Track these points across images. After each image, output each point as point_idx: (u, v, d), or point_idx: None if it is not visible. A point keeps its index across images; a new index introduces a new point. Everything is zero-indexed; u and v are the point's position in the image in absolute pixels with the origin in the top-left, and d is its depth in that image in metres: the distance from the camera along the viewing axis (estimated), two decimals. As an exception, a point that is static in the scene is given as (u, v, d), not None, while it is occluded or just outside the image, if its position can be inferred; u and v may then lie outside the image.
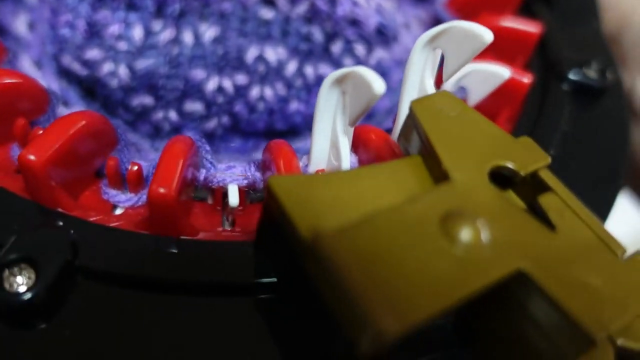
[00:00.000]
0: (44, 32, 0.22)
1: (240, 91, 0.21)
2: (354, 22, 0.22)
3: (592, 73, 0.23)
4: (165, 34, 0.20)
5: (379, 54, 0.23)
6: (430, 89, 0.16)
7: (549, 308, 0.11)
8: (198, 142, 0.17)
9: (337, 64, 0.22)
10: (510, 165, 0.13)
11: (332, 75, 0.15)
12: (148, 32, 0.20)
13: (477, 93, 0.19)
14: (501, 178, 0.14)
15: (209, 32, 0.21)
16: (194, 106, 0.21)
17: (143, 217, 0.15)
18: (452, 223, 0.12)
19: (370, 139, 0.17)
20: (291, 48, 0.21)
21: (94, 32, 0.20)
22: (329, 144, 0.16)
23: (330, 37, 0.22)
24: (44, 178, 0.15)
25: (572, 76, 0.23)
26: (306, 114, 0.23)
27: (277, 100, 0.22)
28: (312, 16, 0.21)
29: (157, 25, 0.20)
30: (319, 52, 0.22)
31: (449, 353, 0.15)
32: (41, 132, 0.17)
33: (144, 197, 0.16)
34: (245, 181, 0.17)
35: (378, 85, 0.13)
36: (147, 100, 0.21)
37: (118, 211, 0.16)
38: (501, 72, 0.19)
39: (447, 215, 0.12)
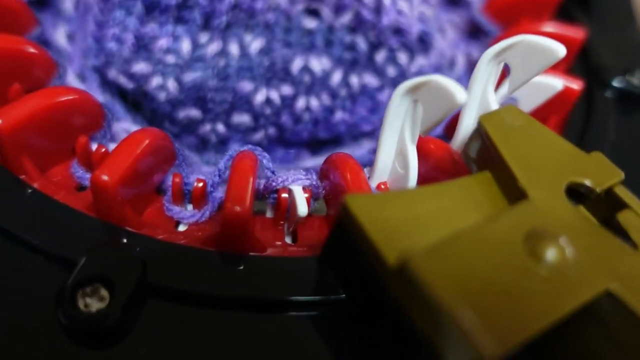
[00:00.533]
0: (85, 45, 0.22)
1: (287, 102, 0.21)
2: (398, 31, 0.22)
3: (636, 81, 0.23)
4: (213, 47, 0.20)
5: (420, 61, 0.23)
6: (493, 102, 0.16)
7: (635, 327, 0.11)
8: (258, 154, 0.17)
9: (380, 73, 0.22)
10: (586, 182, 0.13)
11: (406, 84, 0.15)
12: (195, 45, 0.20)
13: (529, 104, 0.19)
14: (573, 194, 0.14)
15: (254, 43, 0.21)
16: (242, 118, 0.21)
17: (208, 234, 0.15)
18: (536, 242, 0.12)
19: (430, 149, 0.17)
20: (335, 58, 0.21)
21: (141, 46, 0.20)
22: (395, 152, 0.16)
23: (374, 46, 0.22)
24: (116, 197, 0.15)
25: (616, 84, 0.23)
26: (350, 123, 0.23)
27: (322, 110, 0.22)
28: (357, 25, 0.21)
29: (204, 37, 0.20)
30: (363, 61, 0.22)
31: None
32: (103, 150, 0.17)
33: (207, 213, 0.16)
34: (308, 182, 0.17)
35: (460, 95, 0.13)
36: (194, 113, 0.21)
37: (181, 228, 0.16)
38: (554, 83, 0.19)
39: (530, 235, 0.12)
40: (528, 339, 0.10)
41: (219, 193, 0.17)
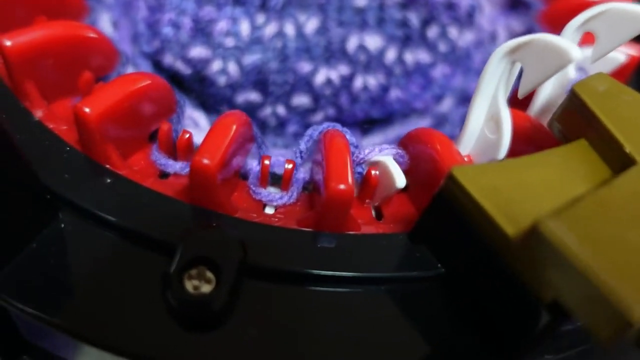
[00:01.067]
0: (134, 31, 0.21)
1: (345, 82, 0.21)
2: (450, 6, 0.22)
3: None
4: (270, 28, 0.20)
5: (468, 36, 0.23)
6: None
7: None
8: (340, 129, 0.17)
9: (432, 48, 0.22)
10: (688, 145, 0.13)
11: (507, 44, 0.14)
12: (254, 27, 0.20)
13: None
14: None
15: (309, 23, 0.20)
16: (302, 99, 0.21)
17: (298, 215, 0.15)
18: (657, 205, 0.12)
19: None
20: (388, 35, 0.21)
21: (199, 30, 0.20)
22: (485, 118, 0.16)
23: (426, 22, 0.21)
24: (96, 131, 0.15)
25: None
26: (404, 100, 0.22)
27: (378, 89, 0.22)
28: (408, 2, 0.21)
29: (260, 19, 0.20)
30: (415, 37, 0.22)
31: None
32: (188, 135, 0.17)
33: (294, 194, 0.16)
34: (394, 151, 0.16)
35: (575, 52, 0.13)
36: (254, 96, 0.21)
37: (268, 210, 0.16)
38: (617, 56, 0.18)
39: (649, 198, 0.12)
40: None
41: (301, 174, 0.17)
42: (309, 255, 0.14)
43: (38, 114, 0.16)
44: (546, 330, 0.12)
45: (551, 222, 0.11)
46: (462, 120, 0.22)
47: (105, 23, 0.22)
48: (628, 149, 0.13)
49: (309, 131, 0.17)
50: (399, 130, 0.23)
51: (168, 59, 0.20)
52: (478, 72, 0.23)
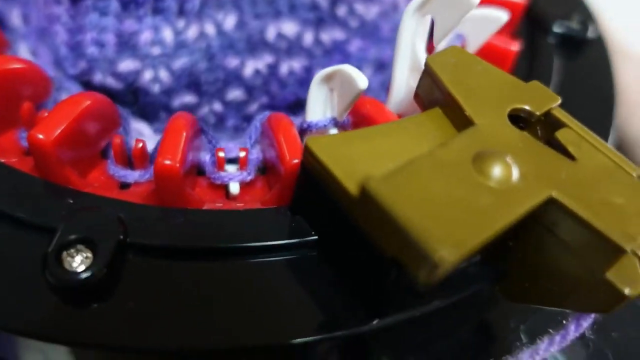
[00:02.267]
0: (56, 55, 0.21)
1: (272, 70, 0.22)
2: None
3: (574, 24, 0.24)
4: (192, 31, 0.21)
5: (373, 9, 0.24)
6: (421, 54, 0.17)
7: (579, 229, 0.13)
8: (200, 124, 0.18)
9: (345, 26, 0.23)
10: (527, 107, 0.15)
11: (415, 2, 0.16)
12: (176, 32, 0.20)
13: (476, 40, 0.20)
14: (516, 120, 0.15)
15: (228, 20, 0.21)
16: (235, 93, 0.22)
17: (150, 191, 0.16)
18: (484, 162, 0.13)
19: (367, 109, 0.18)
20: (302, 20, 0.22)
21: (124, 43, 0.20)
22: (409, 69, 0.17)
23: (334, 2, 0.23)
24: (53, 156, 0.15)
25: (556, 29, 0.24)
26: None
27: (303, 71, 0.23)
28: None
29: (181, 23, 0.21)
30: (327, 18, 0.23)
31: (479, 287, 0.16)
32: (47, 113, 0.17)
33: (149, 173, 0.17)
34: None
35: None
36: (189, 98, 0.21)
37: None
38: (499, 15, 0.19)
39: (477, 156, 0.13)
40: (481, 245, 0.12)
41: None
42: (193, 230, 0.15)
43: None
44: (395, 281, 0.13)
45: (374, 182, 0.12)
46: (381, 87, 0.24)
47: (24, 53, 0.22)
48: (468, 112, 0.14)
49: (254, 122, 0.18)
50: None
51: (97, 77, 0.21)
52: (388, 41, 0.24)
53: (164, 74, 0.21)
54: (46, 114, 0.17)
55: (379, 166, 0.13)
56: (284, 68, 0.22)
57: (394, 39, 0.24)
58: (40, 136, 0.15)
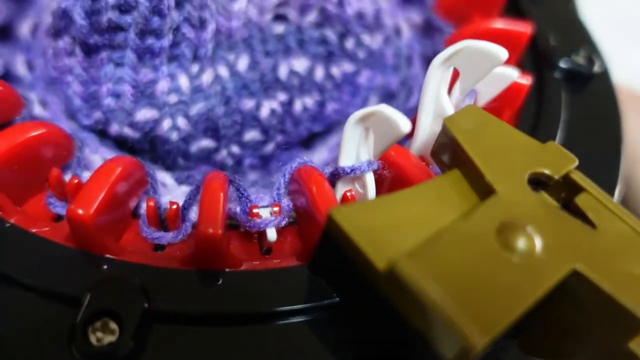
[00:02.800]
0: (68, 107, 0.21)
1: (286, 108, 0.22)
2: (360, 16, 0.23)
3: (580, 59, 0.25)
4: (207, 75, 0.21)
5: (378, 38, 0.24)
6: (447, 104, 0.18)
7: (603, 301, 0.13)
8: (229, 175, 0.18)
9: (354, 58, 0.23)
10: (546, 171, 0.15)
11: (443, 54, 0.17)
12: (191, 78, 0.20)
13: (487, 94, 0.20)
14: (534, 182, 0.15)
15: (240, 61, 0.21)
16: (252, 134, 0.22)
17: (188, 253, 0.16)
18: (507, 234, 0.13)
19: (391, 155, 0.18)
20: (312, 55, 0.22)
21: (141, 93, 0.20)
22: (433, 116, 0.18)
23: (342, 35, 0.23)
24: (93, 229, 0.15)
25: (562, 64, 0.24)
26: (340, 110, 0.24)
27: (316, 107, 0.23)
28: (323, 21, 0.22)
29: (195, 68, 0.20)
30: (336, 51, 0.23)
31: (501, 345, 0.16)
32: (76, 181, 0.17)
33: (181, 235, 0.17)
34: (277, 211, 0.18)
35: (503, 53, 0.16)
36: (207, 142, 0.21)
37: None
38: (510, 73, 0.20)
39: (501, 227, 0.13)
40: (510, 324, 0.12)
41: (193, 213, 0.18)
42: (214, 294, 0.15)
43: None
44: (420, 354, 0.14)
45: (402, 262, 0.12)
46: None
47: (19, 64, 0.22)
48: (488, 178, 0.14)
49: (282, 174, 0.18)
50: (336, 138, 0.24)
51: (114, 128, 0.21)
52: (392, 67, 0.24)
53: (181, 122, 0.21)
54: (76, 181, 0.17)
55: (404, 236, 0.14)
56: (297, 105, 0.22)
57: (397, 65, 0.24)
58: (80, 211, 0.15)
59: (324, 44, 0.23)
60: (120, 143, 0.21)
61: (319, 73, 0.23)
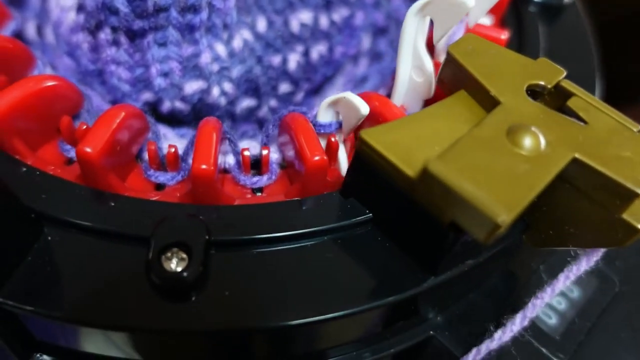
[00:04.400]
0: (113, 95, 0.22)
1: (306, 58, 0.24)
2: None
3: (552, -7, 0.27)
4: (236, 41, 0.22)
5: None
6: (423, 50, 0.20)
7: (599, 181, 0.15)
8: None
9: (347, 2, 0.25)
10: (540, 82, 0.17)
11: (416, 4, 0.19)
12: (226, 45, 0.22)
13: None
14: (531, 93, 0.17)
15: (259, 23, 0.23)
16: (285, 87, 0.24)
17: (186, 191, 0.19)
18: (516, 134, 0.15)
19: (375, 106, 0.20)
20: (313, 6, 0.24)
21: (187, 67, 0.21)
22: (411, 65, 0.20)
23: None
24: (99, 166, 0.17)
25: (536, -1, 0.27)
26: (345, 52, 0.26)
27: (328, 53, 0.25)
28: None
29: (226, 36, 0.22)
30: (335, 1, 0.25)
31: (513, 239, 0.18)
32: (85, 127, 0.19)
33: (180, 175, 0.19)
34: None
35: (470, 1, 0.17)
36: (248, 102, 0.23)
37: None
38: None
39: (510, 130, 0.15)
40: (528, 205, 0.14)
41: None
42: (261, 221, 0.17)
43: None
44: (452, 243, 0.16)
45: (434, 163, 0.14)
46: (378, 74, 0.26)
47: (30, 28, 0.23)
48: (493, 92, 0.17)
49: (269, 122, 0.20)
50: (342, 79, 0.26)
51: (166, 105, 0.22)
52: (373, 5, 0.27)
53: (227, 86, 0.22)
54: (84, 127, 0.18)
55: (428, 149, 0.16)
56: (314, 54, 0.24)
57: (377, 1, 0.26)
58: (88, 149, 0.17)
59: None
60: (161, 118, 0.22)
61: (324, 21, 0.25)
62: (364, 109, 0.18)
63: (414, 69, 0.20)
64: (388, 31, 0.27)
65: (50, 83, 0.19)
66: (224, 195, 0.19)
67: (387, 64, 0.27)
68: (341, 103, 0.19)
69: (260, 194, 0.20)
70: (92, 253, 0.16)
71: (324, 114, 0.20)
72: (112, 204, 0.17)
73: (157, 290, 0.16)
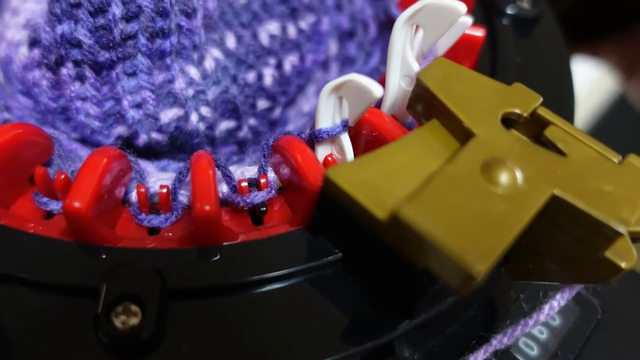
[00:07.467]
0: (80, 133, 0.21)
1: (279, 71, 0.23)
2: None
3: (525, 4, 0.26)
4: (208, 61, 0.21)
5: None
6: (413, 62, 0.19)
7: (581, 219, 0.14)
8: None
9: (312, 9, 0.25)
10: (516, 110, 0.16)
11: (405, 14, 0.18)
12: (197, 67, 0.21)
13: (444, 47, 0.21)
14: (506, 121, 0.16)
15: (227, 39, 0.22)
16: (262, 104, 0.23)
17: (183, 233, 0.17)
18: (491, 170, 0.14)
19: (364, 116, 0.19)
20: (278, 16, 0.23)
21: (162, 95, 0.20)
22: (400, 74, 0.19)
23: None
24: (89, 220, 0.16)
25: (509, 11, 0.26)
26: (315, 59, 0.25)
27: (299, 63, 0.24)
28: None
29: (196, 57, 0.21)
30: (298, 6, 0.24)
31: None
32: (63, 176, 0.17)
33: (173, 216, 0.18)
34: (264, 182, 0.18)
35: (461, 6, 0.17)
36: (227, 124, 0.22)
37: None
38: (464, 20, 0.20)
39: (484, 165, 0.14)
40: (506, 249, 0.13)
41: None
42: (224, 266, 0.16)
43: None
44: (427, 288, 0.15)
45: (405, 208, 0.13)
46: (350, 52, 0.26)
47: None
48: (466, 123, 0.15)
49: (263, 145, 0.19)
50: (312, 87, 0.25)
51: (142, 138, 0.21)
52: (334, 7, 0.26)
53: (205, 110, 0.21)
54: (62, 176, 0.17)
55: (397, 186, 0.15)
56: (287, 65, 0.23)
57: (339, 3, 0.26)
58: (77, 204, 0.15)
59: (285, 3, 0.23)
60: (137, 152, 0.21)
61: (292, 30, 0.23)
62: (377, 90, 0.16)
63: (403, 78, 0.19)
64: (355, 34, 0.26)
65: (13, 132, 0.17)
66: (228, 232, 0.17)
67: (360, 68, 0.26)
68: (346, 87, 0.17)
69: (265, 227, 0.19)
70: (35, 308, 0.15)
71: (326, 101, 0.18)
72: (60, 252, 0.16)
73: (107, 349, 0.15)
